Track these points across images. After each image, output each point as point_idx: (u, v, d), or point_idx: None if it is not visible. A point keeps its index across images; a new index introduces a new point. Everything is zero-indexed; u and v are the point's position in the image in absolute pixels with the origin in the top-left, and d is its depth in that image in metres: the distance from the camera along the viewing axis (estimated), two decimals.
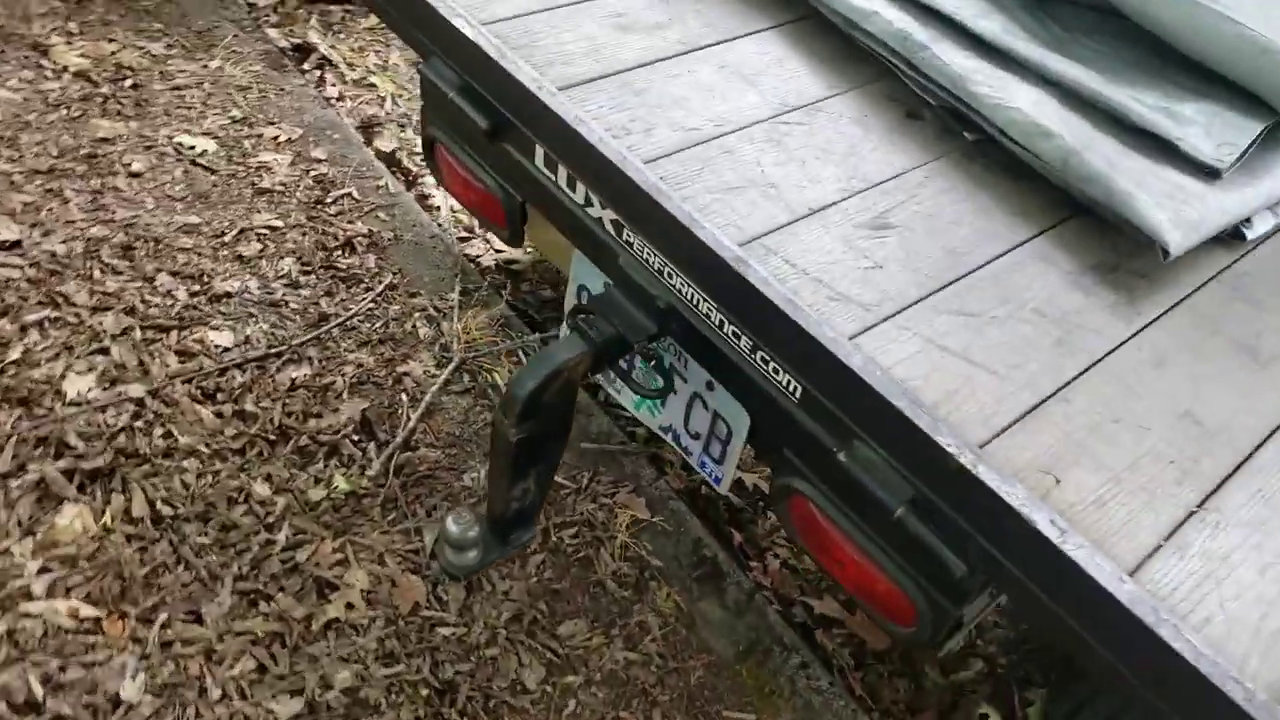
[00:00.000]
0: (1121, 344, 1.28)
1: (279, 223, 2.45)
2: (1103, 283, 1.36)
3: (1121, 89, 1.54)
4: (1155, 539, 1.06)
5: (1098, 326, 1.29)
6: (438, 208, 2.76)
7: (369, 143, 2.88)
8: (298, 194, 2.56)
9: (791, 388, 1.28)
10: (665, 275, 1.42)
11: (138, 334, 2.09)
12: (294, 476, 1.92)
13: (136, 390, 1.97)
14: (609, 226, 1.46)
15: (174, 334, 2.12)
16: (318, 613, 1.72)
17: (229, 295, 2.24)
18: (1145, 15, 1.61)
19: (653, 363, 1.63)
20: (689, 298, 1.40)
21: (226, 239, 2.38)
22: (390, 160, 2.84)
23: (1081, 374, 1.22)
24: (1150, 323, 1.32)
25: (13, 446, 1.82)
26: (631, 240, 1.44)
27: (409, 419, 2.08)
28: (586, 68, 1.51)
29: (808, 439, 1.32)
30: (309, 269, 2.37)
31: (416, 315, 2.32)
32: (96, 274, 2.20)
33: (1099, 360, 1.24)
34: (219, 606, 1.70)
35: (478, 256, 2.63)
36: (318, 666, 1.66)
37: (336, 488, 1.92)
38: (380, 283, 2.38)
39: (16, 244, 2.20)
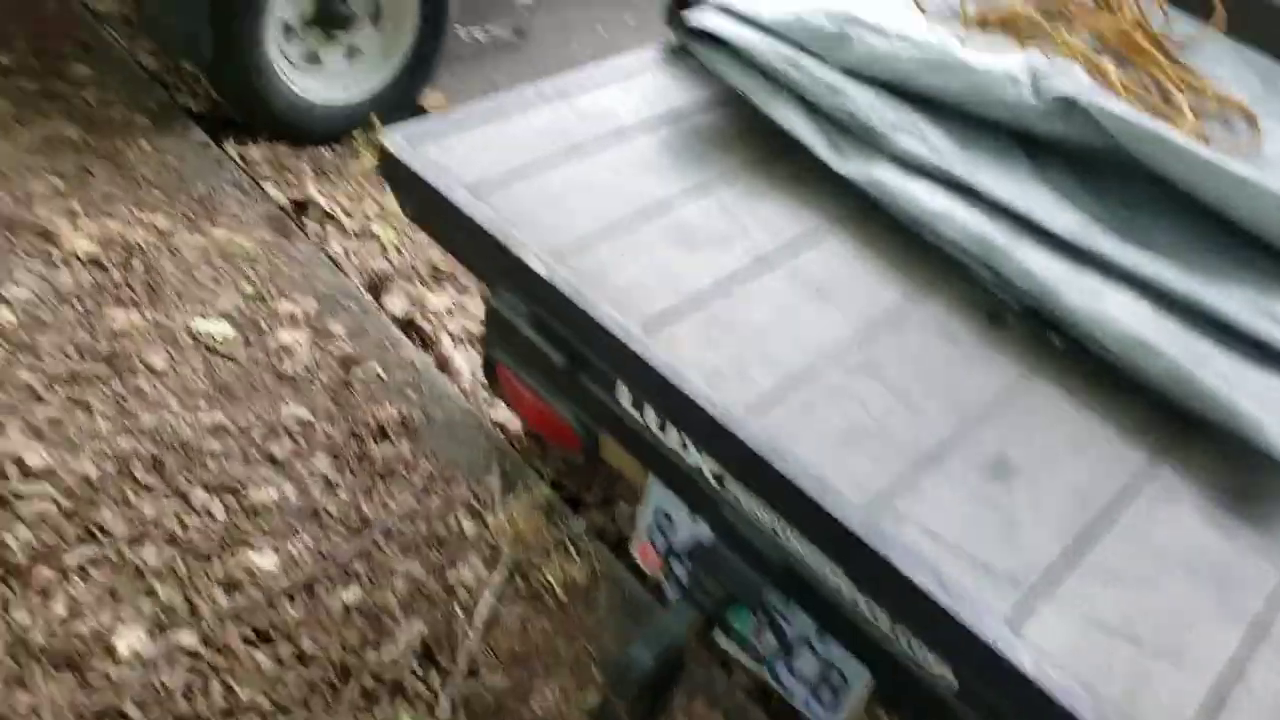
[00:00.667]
0: (1272, 594, 1.23)
1: (308, 414, 2.39)
2: (1238, 516, 1.32)
3: (1212, 285, 1.51)
4: None
5: (1250, 577, 1.25)
6: (457, 371, 2.71)
7: (379, 301, 2.83)
8: (321, 376, 2.50)
9: (944, 677, 1.25)
10: (781, 534, 1.38)
11: (181, 566, 2.02)
12: None
13: (188, 639, 1.90)
14: (709, 476, 1.42)
15: (216, 561, 2.05)
16: None
17: (266, 508, 2.18)
18: (1204, 192, 1.59)
19: (766, 619, 1.58)
20: (813, 564, 1.35)
21: (256, 438, 2.32)
22: (406, 325, 2.78)
23: (1250, 646, 1.17)
24: None
25: None
26: (738, 494, 1.40)
27: (467, 636, 2.03)
28: (665, 300, 1.47)
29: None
30: (344, 465, 2.31)
31: (459, 509, 2.27)
32: (130, 496, 2.13)
33: (1266, 625, 1.20)
34: None
35: (506, 424, 2.58)
36: None
37: None
38: (416, 472, 2.33)
39: (50, 471, 2.12)
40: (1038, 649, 1.11)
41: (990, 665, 1.11)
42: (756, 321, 1.48)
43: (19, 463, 2.12)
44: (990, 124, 1.71)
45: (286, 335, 2.57)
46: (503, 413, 2.59)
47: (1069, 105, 1.63)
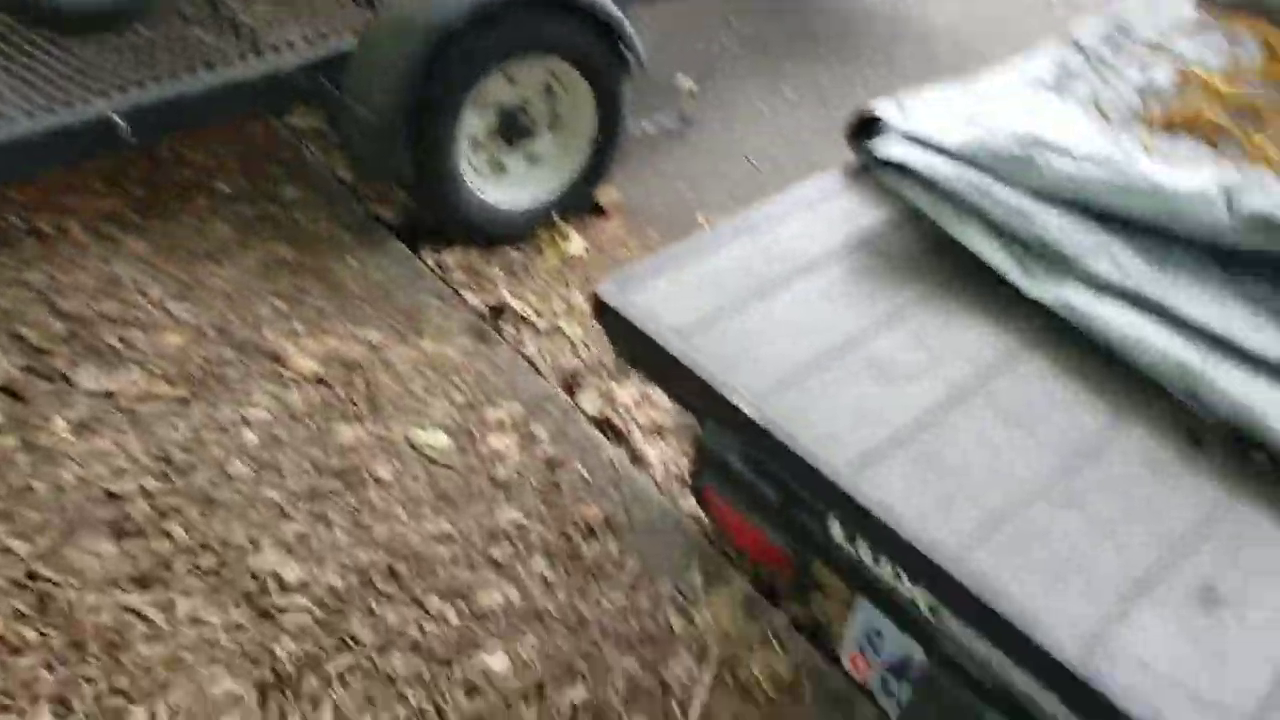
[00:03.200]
0: None
1: (522, 518, 2.59)
2: None
3: None
4: None
5: None
6: (649, 464, 2.86)
7: (574, 399, 3.02)
8: (531, 480, 2.70)
9: None
10: (996, 664, 1.44)
11: (425, 672, 2.23)
12: None
13: None
14: (923, 607, 1.49)
15: (455, 666, 2.25)
16: None
17: (494, 611, 2.37)
18: None
19: None
20: (1029, 693, 1.41)
21: (477, 542, 2.52)
22: (600, 422, 2.96)
23: None
24: None
25: None
26: (952, 626, 1.47)
27: None
28: (869, 436, 1.54)
29: None
30: (559, 565, 2.49)
31: (667, 606, 2.41)
32: (374, 605, 2.36)
33: None
34: None
35: (700, 518, 2.71)
36: None
37: None
38: (624, 571, 2.48)
39: (304, 584, 2.37)
40: None
41: None
42: (958, 455, 1.54)
43: (277, 578, 2.38)
44: (1183, 240, 1.73)
45: (496, 441, 2.79)
46: (694, 508, 2.73)
47: (1267, 222, 1.64)
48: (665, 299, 1.79)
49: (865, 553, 1.54)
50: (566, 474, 2.72)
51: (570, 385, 3.09)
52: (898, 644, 1.76)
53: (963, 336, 1.75)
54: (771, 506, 1.74)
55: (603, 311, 1.81)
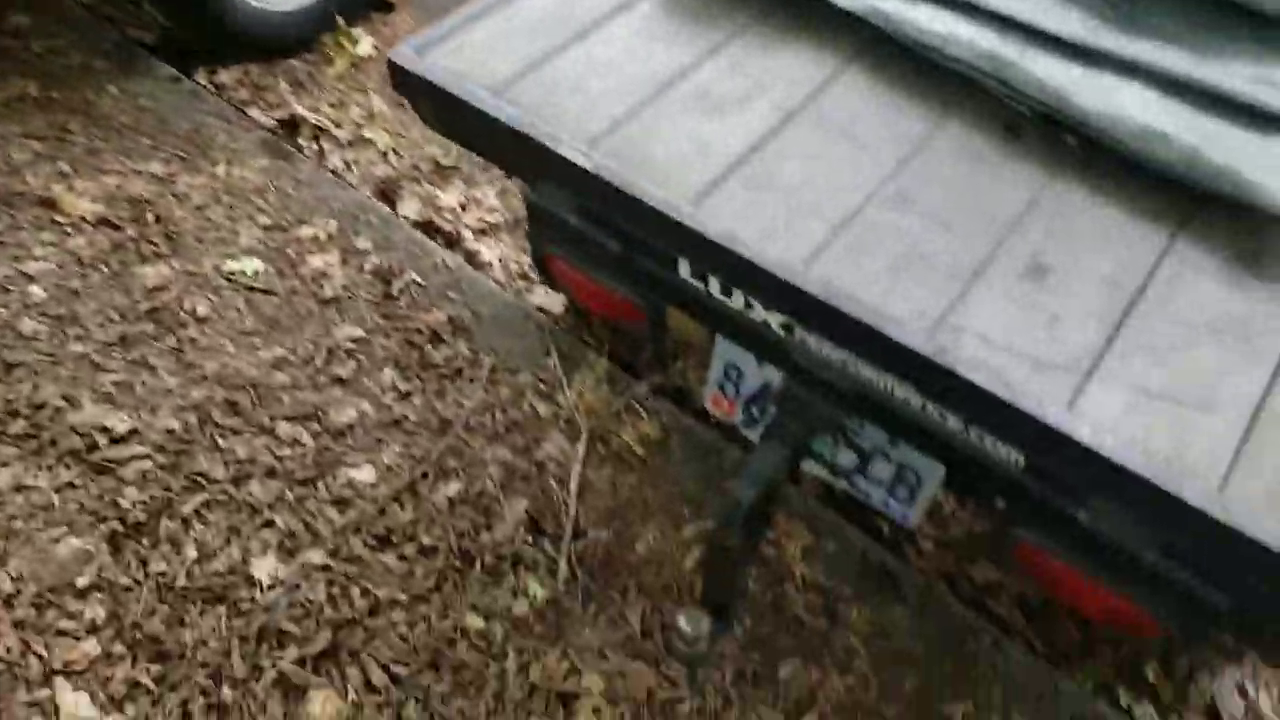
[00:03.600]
0: None
1: (361, 332, 2.47)
2: (1254, 275, 1.43)
3: (1214, 64, 1.58)
4: None
5: (1269, 326, 1.37)
6: (488, 264, 2.78)
7: (393, 208, 2.86)
8: (363, 294, 2.57)
9: (1014, 458, 1.40)
10: (852, 368, 1.50)
11: (289, 495, 2.15)
12: (495, 599, 2.03)
13: (318, 557, 2.05)
14: (776, 328, 1.53)
15: (320, 484, 2.18)
16: None
17: (350, 426, 2.29)
18: None
19: (841, 438, 1.74)
20: (884, 386, 1.48)
21: (318, 364, 2.40)
22: (427, 228, 2.83)
23: (1274, 384, 1.30)
24: None
25: (239, 649, 1.90)
26: (806, 339, 1.51)
27: (566, 503, 2.18)
28: (702, 168, 1.52)
29: (1032, 496, 1.44)
30: (410, 373, 2.41)
31: (529, 394, 2.39)
32: (219, 441, 2.23)
33: None
34: None
35: (545, 307, 2.67)
36: None
37: (535, 596, 2.04)
38: (479, 368, 2.43)
39: (134, 432, 2.21)
40: (1094, 422, 1.24)
41: (1054, 443, 1.25)
42: (792, 173, 1.54)
43: (105, 430, 2.20)
44: None
45: (317, 260, 2.62)
46: (542, 297, 2.68)
47: None
48: (471, 56, 1.67)
49: (715, 286, 1.54)
50: (400, 283, 2.60)
51: (387, 194, 2.92)
52: (756, 376, 1.80)
53: (784, 60, 1.72)
54: (616, 259, 1.70)
55: (402, 79, 1.67)
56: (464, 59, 1.66)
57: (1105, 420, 1.26)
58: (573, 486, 2.22)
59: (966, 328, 1.37)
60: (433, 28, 1.71)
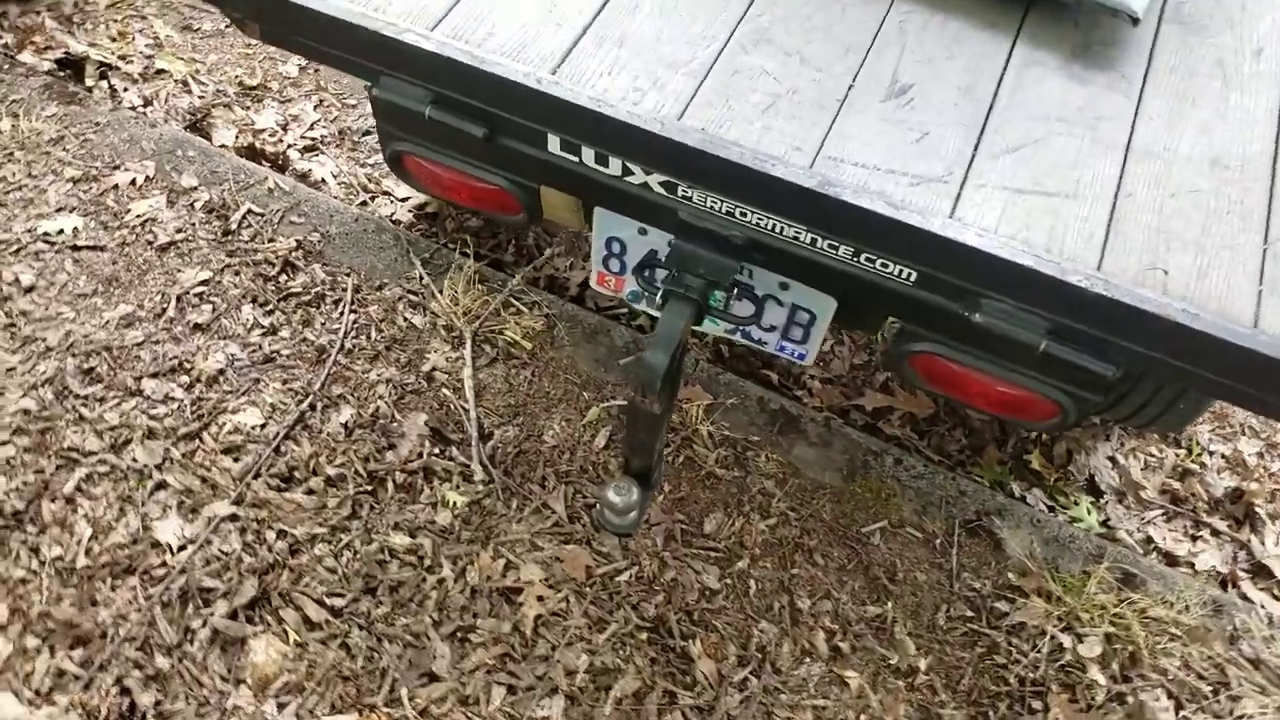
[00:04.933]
0: (1135, 119, 1.47)
1: (210, 274, 2.33)
2: (1088, 66, 1.54)
3: None
4: (1254, 287, 1.31)
5: (1110, 112, 1.48)
6: (323, 181, 2.65)
7: (209, 138, 2.68)
8: (200, 234, 2.41)
9: (904, 275, 1.47)
10: (739, 215, 1.53)
11: (175, 453, 2.04)
12: (416, 514, 2.01)
13: (223, 508, 1.96)
14: (658, 189, 1.54)
15: (206, 436, 2.07)
16: (521, 618, 1.89)
17: (221, 372, 2.17)
18: None
19: (735, 291, 1.77)
20: (773, 228, 1.52)
21: (171, 314, 2.26)
22: (251, 153, 2.66)
23: (1126, 165, 1.41)
24: (1142, 89, 1.51)
25: (163, 615, 1.82)
26: (690, 194, 1.53)
27: (465, 408, 2.16)
28: (557, 35, 1.50)
29: (925, 308, 1.52)
30: (271, 307, 2.30)
31: (401, 308, 2.32)
32: (84, 412, 2.08)
33: (1129, 144, 1.44)
34: (441, 658, 1.84)
35: (395, 217, 2.58)
36: (553, 662, 1.86)
37: (455, 504, 2.03)
38: (343, 289, 2.34)
39: None
40: (977, 226, 1.33)
41: (943, 253, 1.33)
42: (646, 28, 1.53)
43: None
44: None
45: (141, 206, 2.43)
46: (389, 206, 2.59)
47: None
48: None
49: (590, 156, 1.53)
50: (237, 216, 2.44)
51: (198, 125, 2.72)
52: (640, 246, 1.80)
53: None
54: (480, 146, 1.65)
55: None
56: None
57: (987, 223, 1.34)
58: (468, 391, 2.19)
59: (844, 157, 1.41)
60: None
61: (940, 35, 1.57)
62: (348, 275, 2.36)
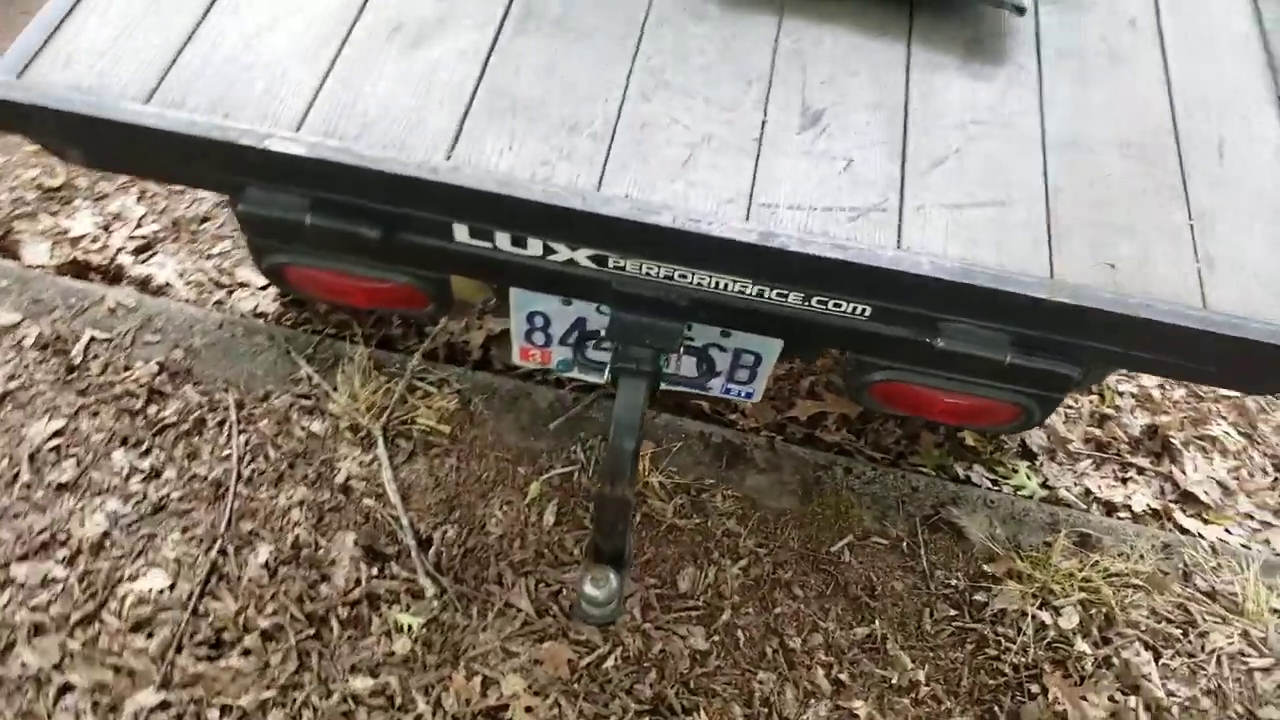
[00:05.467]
0: (1042, 111, 1.45)
1: (63, 422, 2.03)
2: (985, 61, 1.51)
3: None
4: (1193, 266, 1.30)
5: (1018, 107, 1.45)
6: (168, 286, 2.37)
7: (17, 258, 2.34)
8: (38, 375, 2.10)
9: (859, 311, 1.41)
10: (679, 279, 1.43)
11: (74, 644, 1.77)
12: (371, 650, 1.82)
13: (148, 697, 1.72)
14: (586, 263, 1.42)
15: (106, 615, 1.81)
16: None
17: (105, 535, 1.90)
18: None
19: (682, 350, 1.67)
20: (716, 285, 1.43)
21: (26, 478, 1.96)
22: (75, 268, 2.34)
23: (1047, 160, 1.39)
24: (1040, 79, 1.50)
25: None
26: (623, 264, 1.42)
27: (398, 520, 1.97)
28: (441, 116, 1.34)
29: (882, 339, 1.46)
30: (146, 447, 2.03)
31: (295, 416, 2.10)
32: None
33: (1044, 138, 1.42)
34: None
35: (259, 310, 2.34)
36: None
37: (410, 627, 1.85)
38: (222, 408, 2.09)
39: None
40: (926, 252, 1.27)
41: (897, 286, 1.28)
42: (533, 90, 1.39)
43: None
44: None
45: None
46: (250, 300, 2.33)
47: None
48: (92, 63, 1.33)
49: (504, 240, 1.39)
50: (79, 348, 2.14)
51: (2, 244, 2.37)
52: (564, 316, 1.68)
53: None
54: (377, 244, 1.47)
55: (10, 115, 1.31)
56: (85, 68, 1.33)
57: (934, 247, 1.29)
58: (392, 496, 2.00)
59: (777, 201, 1.33)
60: (17, 41, 1.33)
61: (835, 50, 1.51)
62: (225, 391, 2.11)
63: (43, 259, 2.34)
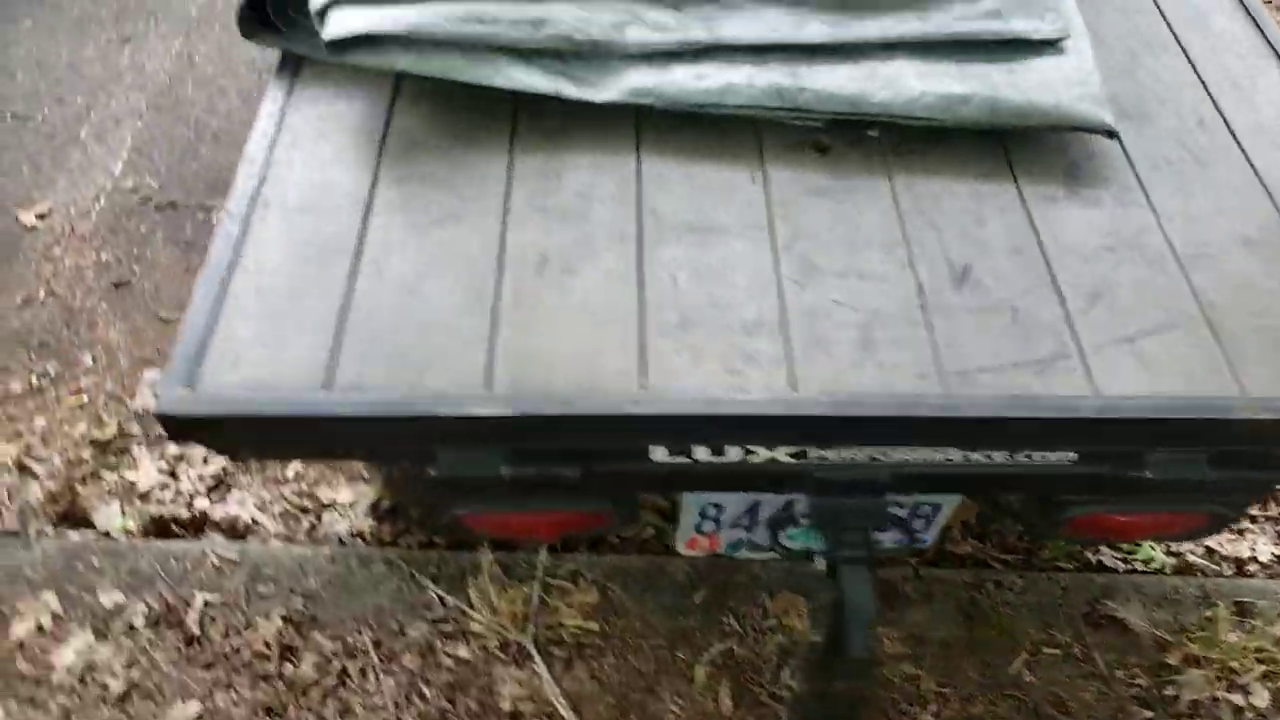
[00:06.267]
0: (1161, 226, 1.48)
1: (195, 706, 1.90)
2: (1090, 186, 1.53)
3: (939, 16, 1.61)
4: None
5: (1138, 227, 1.47)
6: (255, 523, 2.25)
7: (93, 526, 2.20)
8: (160, 659, 1.96)
9: (1063, 459, 1.40)
10: (883, 458, 1.41)
11: None
12: None
13: None
14: (786, 459, 1.39)
15: None
16: None
17: None
18: None
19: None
20: (917, 458, 1.41)
21: None
22: (158, 527, 2.21)
23: (1189, 276, 1.41)
24: (1147, 196, 1.53)
25: None
26: (825, 454, 1.39)
27: None
28: (623, 345, 1.30)
29: (1080, 479, 1.45)
30: (290, 713, 1.90)
31: (439, 647, 2.00)
32: None
33: (1175, 253, 1.44)
34: None
35: (356, 530, 2.23)
36: None
37: None
38: (364, 653, 1.98)
39: None
40: (1122, 394, 1.26)
41: (1105, 432, 1.28)
42: (693, 297, 1.35)
43: None
44: None
45: (67, 654, 1.95)
46: (344, 524, 2.23)
47: None
48: (258, 359, 1.26)
49: (703, 453, 1.35)
50: (192, 615, 2.01)
51: (70, 515, 2.22)
52: (740, 502, 1.64)
53: (578, 181, 1.49)
54: (574, 480, 1.43)
55: (186, 427, 1.24)
56: (253, 367, 1.26)
57: (1128, 387, 1.28)
58: (567, 714, 1.90)
59: (965, 367, 1.31)
60: (176, 348, 1.25)
61: (954, 202, 1.51)
62: (359, 632, 2.00)
63: (118, 522, 2.20)
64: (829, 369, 1.28)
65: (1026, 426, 1.27)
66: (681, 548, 1.74)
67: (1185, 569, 2.26)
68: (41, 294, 2.65)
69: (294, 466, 2.36)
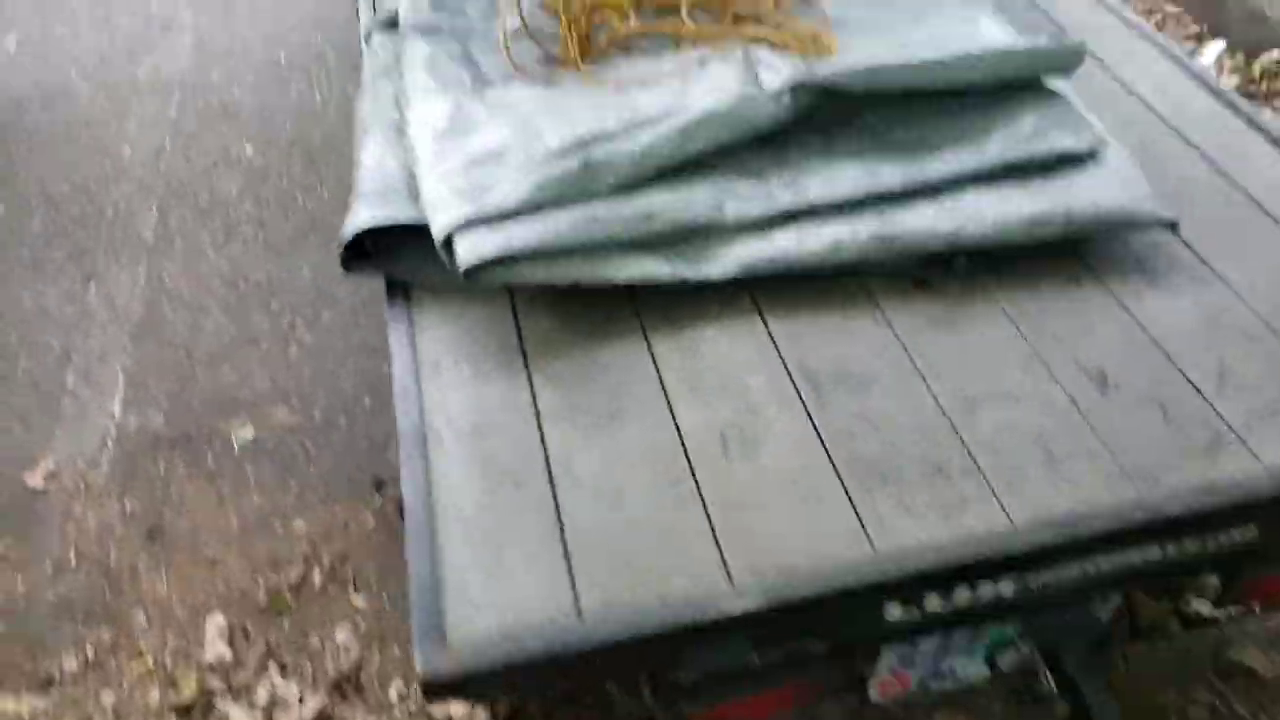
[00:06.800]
0: (1238, 301, 1.60)
1: None
2: (1163, 272, 1.66)
3: (988, 142, 1.73)
4: None
5: (1223, 304, 1.60)
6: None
7: None
8: None
9: (1247, 536, 1.47)
10: (1093, 569, 1.44)
11: None
12: None
13: None
14: (1009, 595, 1.42)
15: None
16: None
17: None
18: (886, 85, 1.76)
19: None
20: (1138, 558, 1.45)
21: None
22: None
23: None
24: (1217, 273, 1.66)
25: None
26: (1040, 578, 1.43)
27: None
28: (832, 509, 1.33)
29: (1269, 548, 1.51)
30: None
31: None
32: None
33: (1266, 325, 1.57)
34: None
35: None
36: None
37: None
38: None
39: None
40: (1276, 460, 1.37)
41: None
42: (874, 447, 1.41)
43: None
44: (753, 145, 1.70)
45: None
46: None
47: (803, 88, 1.69)
48: (513, 592, 1.25)
49: (934, 602, 1.38)
50: None
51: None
52: (932, 640, 1.65)
53: (715, 352, 1.54)
54: (819, 654, 1.44)
55: (455, 688, 1.21)
56: (497, 611, 1.22)
57: None
58: None
59: (1143, 466, 1.37)
60: (414, 612, 1.20)
61: (1053, 310, 1.60)
62: None
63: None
64: (1031, 494, 1.33)
65: (1222, 513, 1.33)
66: (873, 692, 1.72)
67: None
68: (73, 559, 2.48)
69: (392, 685, 2.25)
